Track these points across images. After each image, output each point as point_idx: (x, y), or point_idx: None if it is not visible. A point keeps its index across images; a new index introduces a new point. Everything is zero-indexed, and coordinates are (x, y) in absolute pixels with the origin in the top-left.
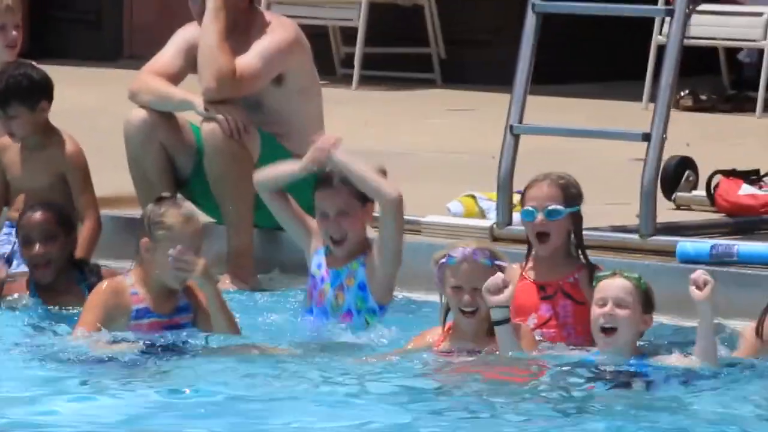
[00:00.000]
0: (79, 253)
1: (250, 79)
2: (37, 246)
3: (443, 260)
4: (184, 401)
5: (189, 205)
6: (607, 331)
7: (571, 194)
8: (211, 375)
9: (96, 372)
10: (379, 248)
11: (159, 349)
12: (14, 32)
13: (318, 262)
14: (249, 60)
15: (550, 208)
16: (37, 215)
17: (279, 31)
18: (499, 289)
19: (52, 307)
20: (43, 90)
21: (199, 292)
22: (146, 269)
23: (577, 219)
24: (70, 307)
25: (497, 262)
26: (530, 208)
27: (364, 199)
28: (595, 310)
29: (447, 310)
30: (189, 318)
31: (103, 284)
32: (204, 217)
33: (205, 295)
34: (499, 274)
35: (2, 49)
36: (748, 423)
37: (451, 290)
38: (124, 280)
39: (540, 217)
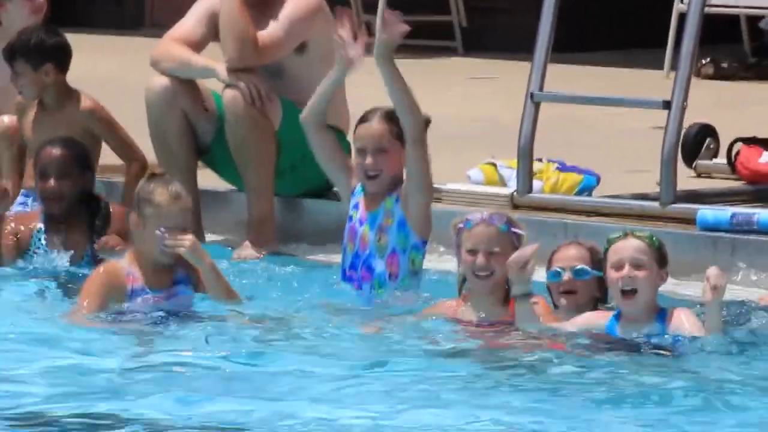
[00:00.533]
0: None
1: (272, 47)
2: (52, 181)
3: (461, 225)
4: (189, 369)
5: (178, 184)
6: (628, 293)
7: (599, 258)
8: (216, 344)
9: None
10: (408, 175)
11: (162, 318)
12: None
13: (355, 202)
14: (272, 28)
15: (577, 267)
16: (56, 150)
17: None
18: (524, 264)
19: (57, 239)
20: (51, 53)
21: None
22: (137, 246)
23: (603, 285)
24: (76, 247)
25: (513, 229)
26: (558, 269)
27: (403, 140)
28: (613, 274)
29: (463, 280)
30: (188, 289)
31: (99, 269)
32: (225, 184)
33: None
34: (527, 249)
35: (29, 15)
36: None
37: (466, 254)
38: (119, 262)
39: (567, 276)
